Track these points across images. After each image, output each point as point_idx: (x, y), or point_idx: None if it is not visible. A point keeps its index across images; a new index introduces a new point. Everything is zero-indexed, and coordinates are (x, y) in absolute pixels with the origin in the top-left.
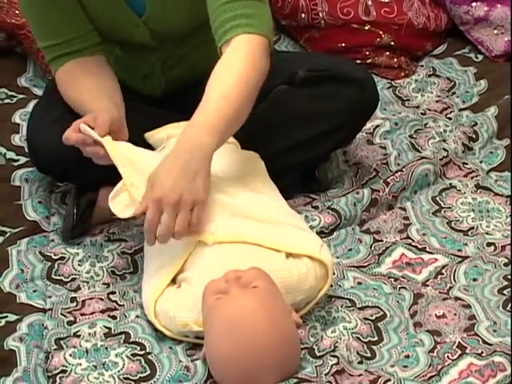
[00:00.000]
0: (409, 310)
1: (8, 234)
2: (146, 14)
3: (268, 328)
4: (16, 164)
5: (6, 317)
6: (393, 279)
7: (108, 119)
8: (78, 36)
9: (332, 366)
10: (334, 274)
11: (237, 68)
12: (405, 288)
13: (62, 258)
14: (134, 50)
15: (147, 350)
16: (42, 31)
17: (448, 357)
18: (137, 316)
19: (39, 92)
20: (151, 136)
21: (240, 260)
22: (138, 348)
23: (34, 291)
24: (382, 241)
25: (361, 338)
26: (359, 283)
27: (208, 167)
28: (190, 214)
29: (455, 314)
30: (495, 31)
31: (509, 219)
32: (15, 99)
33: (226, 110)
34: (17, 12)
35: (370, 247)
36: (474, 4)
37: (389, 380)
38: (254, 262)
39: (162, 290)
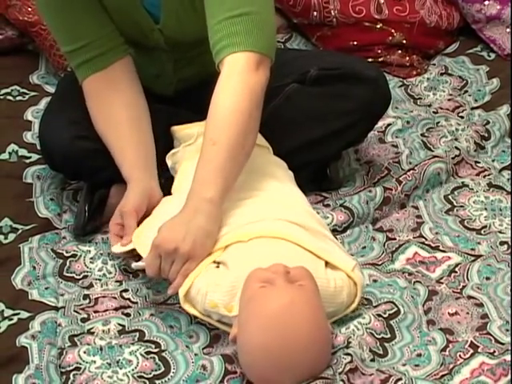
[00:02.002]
0: (423, 305)
1: (20, 230)
2: (162, 23)
3: (311, 327)
4: (28, 161)
5: (19, 314)
6: (407, 273)
7: (134, 215)
8: (101, 36)
9: (346, 364)
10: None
11: (226, 106)
12: (420, 282)
13: (73, 256)
14: (146, 50)
15: (162, 348)
16: (65, 34)
17: (460, 356)
18: (151, 314)
19: (51, 89)
20: (178, 130)
21: (281, 256)
22: (153, 346)
23: (46, 288)
24: (395, 239)
25: (374, 333)
26: (374, 281)
27: (211, 224)
28: (179, 265)
29: (468, 313)
30: (508, 29)
31: None
32: (27, 96)
33: (217, 158)
34: (29, 9)
35: (384, 245)
36: (486, 2)
37: (400, 379)
38: (296, 261)
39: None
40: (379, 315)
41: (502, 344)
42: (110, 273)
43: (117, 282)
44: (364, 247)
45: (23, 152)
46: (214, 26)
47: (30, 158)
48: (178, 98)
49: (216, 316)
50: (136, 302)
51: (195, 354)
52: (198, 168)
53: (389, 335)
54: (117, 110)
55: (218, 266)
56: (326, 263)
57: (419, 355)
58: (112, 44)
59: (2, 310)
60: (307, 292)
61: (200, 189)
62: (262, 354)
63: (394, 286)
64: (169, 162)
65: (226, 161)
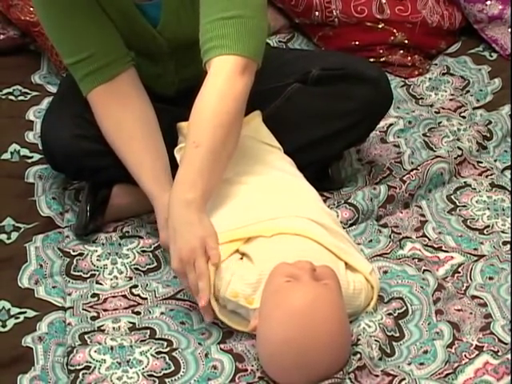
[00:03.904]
0: (432, 295)
1: (22, 229)
2: (161, 24)
3: (333, 327)
4: (30, 161)
5: (25, 312)
6: (417, 259)
7: None
8: (105, 47)
9: (355, 363)
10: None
11: (211, 108)
12: (429, 271)
13: (80, 254)
14: (149, 53)
15: (174, 346)
16: (68, 45)
17: (465, 356)
18: (161, 313)
19: (53, 89)
20: (186, 126)
21: (305, 254)
22: (165, 344)
23: (53, 287)
24: (400, 234)
25: (385, 330)
26: (385, 272)
27: (198, 217)
28: (202, 259)
29: (471, 313)
30: (510, 29)
31: None
32: (29, 96)
33: (200, 160)
34: (31, 9)
35: (389, 237)
36: (488, 2)
37: (404, 379)
38: (318, 259)
39: (227, 256)
40: (390, 314)
41: (505, 344)
42: (122, 272)
43: (126, 277)
44: (371, 240)
45: (25, 152)
46: (206, 25)
47: (31, 157)
48: (179, 97)
49: (232, 306)
50: (146, 298)
51: (205, 355)
52: (179, 169)
53: (398, 334)
54: (129, 125)
55: (241, 258)
56: (346, 264)
57: (425, 352)
58: (116, 55)
59: (9, 309)
60: (332, 291)
61: (181, 190)
62: (281, 349)
63: (403, 275)
64: (177, 155)
65: (208, 163)
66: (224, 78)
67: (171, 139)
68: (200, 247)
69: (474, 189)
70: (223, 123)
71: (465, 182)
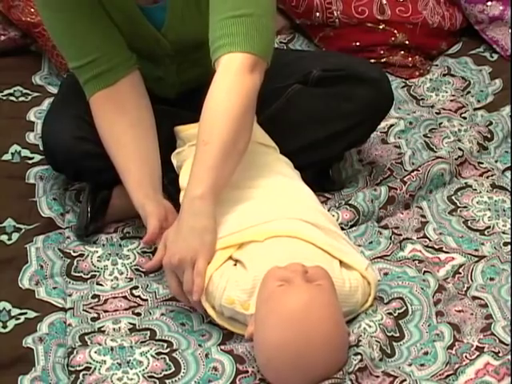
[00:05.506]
0: (433, 296)
1: (23, 230)
2: (165, 26)
3: (329, 327)
4: (30, 162)
5: (26, 313)
6: (417, 261)
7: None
8: (109, 51)
9: (356, 364)
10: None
11: (219, 105)
12: (430, 273)
13: (81, 255)
14: (151, 56)
15: (174, 347)
16: (73, 50)
17: (466, 357)
18: (162, 314)
19: (54, 90)
20: (183, 130)
21: (298, 256)
22: (165, 345)
23: (54, 288)
24: (400, 235)
25: (385, 330)
26: (385, 274)
27: (204, 220)
28: (190, 271)
29: (472, 314)
30: (510, 30)
31: None
32: (30, 97)
33: (208, 157)
34: (32, 10)
35: (390, 238)
36: (489, 3)
37: (404, 380)
38: (312, 260)
39: (221, 263)
40: (390, 313)
41: (506, 345)
42: (122, 273)
43: (127, 278)
44: (371, 242)
45: (26, 153)
46: (216, 23)
47: (32, 158)
48: (180, 100)
49: (229, 312)
50: (146, 300)
51: (206, 355)
52: (191, 170)
53: (398, 334)
54: (120, 131)
55: (235, 265)
56: (341, 262)
57: (426, 353)
58: (120, 59)
59: (9, 310)
60: (325, 292)
61: (191, 188)
62: (278, 353)
63: (404, 276)
64: (174, 161)
65: (217, 160)
66: (233, 76)
67: (171, 142)
68: (190, 261)
69: (475, 189)
70: (232, 120)
71: (465, 183)
